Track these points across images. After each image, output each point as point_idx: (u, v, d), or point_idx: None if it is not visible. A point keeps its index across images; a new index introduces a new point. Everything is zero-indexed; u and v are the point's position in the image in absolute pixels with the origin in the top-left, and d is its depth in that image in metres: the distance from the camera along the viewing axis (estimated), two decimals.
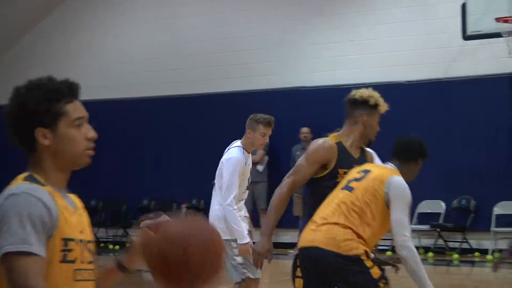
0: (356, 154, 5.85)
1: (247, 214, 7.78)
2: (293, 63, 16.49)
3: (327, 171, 5.73)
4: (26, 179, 2.77)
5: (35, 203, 2.67)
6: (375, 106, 5.77)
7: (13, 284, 2.62)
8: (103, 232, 17.89)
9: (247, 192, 7.60)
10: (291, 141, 15.92)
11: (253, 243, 6.82)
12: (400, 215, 5.23)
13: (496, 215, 14.26)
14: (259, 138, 7.38)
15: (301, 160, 5.91)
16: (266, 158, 16.07)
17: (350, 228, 5.19)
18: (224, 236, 6.81)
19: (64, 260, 2.73)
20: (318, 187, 5.70)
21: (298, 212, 15.79)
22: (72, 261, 2.76)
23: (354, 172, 5.50)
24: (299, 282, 5.37)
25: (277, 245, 16.01)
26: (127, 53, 17.99)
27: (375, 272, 5.22)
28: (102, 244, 17.68)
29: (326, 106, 15.92)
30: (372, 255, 5.30)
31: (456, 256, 14.59)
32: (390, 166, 5.51)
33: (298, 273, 5.37)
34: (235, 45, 16.88)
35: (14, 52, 19.22)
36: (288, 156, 15.99)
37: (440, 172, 13.80)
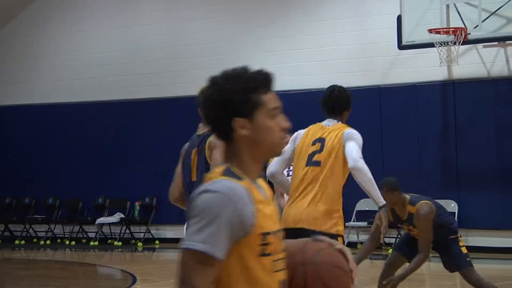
0: None
1: None
2: None
3: None
4: (224, 173, 2.67)
5: (227, 205, 2.57)
6: None
7: (181, 279, 2.56)
8: (60, 229, 18.21)
9: None
10: None
11: None
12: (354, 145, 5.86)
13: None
14: None
15: None
16: None
17: None
18: None
19: (263, 254, 2.64)
20: None
21: None
22: (271, 254, 2.66)
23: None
24: None
25: None
26: (87, 59, 18.06)
27: None
28: (58, 240, 18.09)
29: None
30: None
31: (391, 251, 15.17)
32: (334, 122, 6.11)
33: None
34: (190, 51, 17.04)
35: None
36: None
37: (377, 173, 14.30)
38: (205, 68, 16.87)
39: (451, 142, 14.75)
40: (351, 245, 14.44)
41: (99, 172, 17.61)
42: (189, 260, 2.55)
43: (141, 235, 17.23)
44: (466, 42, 13.74)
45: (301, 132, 6.20)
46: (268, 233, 2.64)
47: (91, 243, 17.32)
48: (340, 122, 6.15)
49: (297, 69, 16.13)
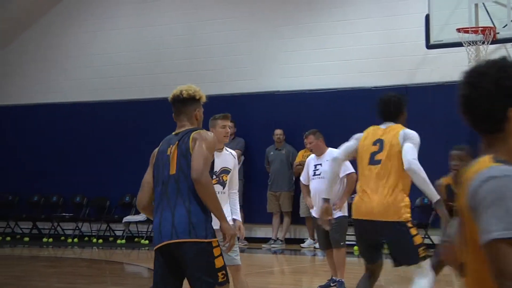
0: None
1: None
2: (266, 69, 16.70)
3: None
4: (496, 161, 2.57)
5: None
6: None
7: (500, 272, 2.37)
8: (87, 227, 18.26)
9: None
10: (265, 142, 16.26)
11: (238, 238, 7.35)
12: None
13: None
14: (220, 131, 7.71)
15: None
16: (242, 157, 16.44)
17: None
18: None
19: None
20: None
21: (271, 208, 16.24)
22: None
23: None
24: None
25: (251, 239, 16.54)
26: (107, 59, 18.12)
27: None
28: (86, 238, 18.16)
29: (297, 109, 16.33)
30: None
31: (356, 248, 15.13)
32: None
33: None
34: (211, 51, 17.06)
35: (1, 56, 19.26)
36: (263, 156, 16.40)
37: None
38: (224, 67, 16.91)
39: (480, 142, 14.55)
40: None
41: (126, 171, 17.61)
42: (506, 250, 2.36)
43: None
44: (494, 41, 13.64)
45: (360, 134, 6.89)
46: None
47: (118, 241, 17.34)
48: (397, 124, 6.75)
49: (321, 68, 16.07)
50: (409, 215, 6.66)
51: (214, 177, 7.80)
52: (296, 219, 16.08)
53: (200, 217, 5.07)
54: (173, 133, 5.45)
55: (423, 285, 6.69)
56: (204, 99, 5.54)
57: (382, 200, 6.55)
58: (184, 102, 5.46)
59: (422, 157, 6.90)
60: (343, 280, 10.05)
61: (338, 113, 15.69)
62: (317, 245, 14.74)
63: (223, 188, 7.85)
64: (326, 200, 7.36)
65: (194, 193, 5.10)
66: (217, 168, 7.77)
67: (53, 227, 18.31)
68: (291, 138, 16.13)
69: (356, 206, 6.77)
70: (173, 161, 5.23)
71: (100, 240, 17.57)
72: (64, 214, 18.20)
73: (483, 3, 13.78)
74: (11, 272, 13.31)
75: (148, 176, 5.43)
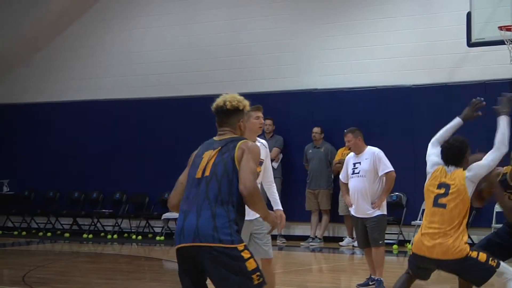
0: None
1: None
2: (305, 67, 16.66)
3: None
4: None
5: None
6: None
7: None
8: (127, 223, 18.39)
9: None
10: (304, 140, 16.24)
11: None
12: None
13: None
14: (254, 122, 7.75)
15: None
16: (281, 155, 16.42)
17: None
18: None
19: None
20: None
21: (309, 206, 16.21)
22: None
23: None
24: None
25: (290, 237, 16.53)
26: (150, 56, 18.23)
27: None
28: (125, 234, 18.27)
29: (336, 107, 16.26)
30: None
31: (395, 247, 15.06)
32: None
33: None
34: (252, 49, 17.08)
35: (45, 53, 19.49)
36: (301, 154, 16.36)
37: None
38: (266, 65, 16.90)
39: None
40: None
41: (165, 168, 17.68)
42: None
43: None
44: None
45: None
46: None
47: (157, 238, 17.43)
48: (460, 168, 7.03)
49: (360, 66, 16.01)
50: (466, 245, 6.92)
51: None
52: (335, 217, 16.04)
53: (225, 221, 4.99)
54: (215, 138, 5.39)
55: None
56: (248, 108, 5.48)
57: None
58: (227, 113, 5.40)
59: None
60: (381, 279, 10.00)
61: (378, 111, 15.62)
62: (355, 244, 14.70)
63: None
64: None
65: (222, 198, 5.05)
66: None
67: (93, 223, 18.46)
68: (330, 136, 16.08)
69: (418, 241, 7.06)
70: (209, 164, 5.19)
71: (139, 237, 17.67)
72: (104, 210, 18.34)
73: None
74: (52, 267, 13.44)
75: (182, 177, 5.42)
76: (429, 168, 7.15)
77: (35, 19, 19.02)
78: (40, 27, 19.16)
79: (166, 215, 17.37)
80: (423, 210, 7.71)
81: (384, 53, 15.83)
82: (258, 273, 5.00)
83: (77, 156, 18.74)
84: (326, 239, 16.19)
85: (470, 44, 14.08)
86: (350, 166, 10.28)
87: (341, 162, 12.13)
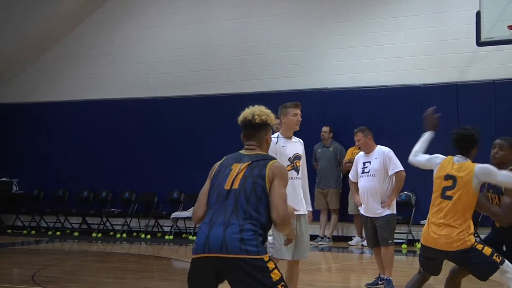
0: None
1: None
2: (315, 66, 16.65)
3: None
4: None
5: None
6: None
7: None
8: (135, 222, 18.39)
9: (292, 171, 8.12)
10: (313, 139, 16.22)
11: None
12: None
13: None
14: (292, 119, 8.11)
15: None
16: None
17: None
18: None
19: None
20: None
21: (318, 206, 16.19)
22: None
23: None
24: None
25: None
26: (160, 55, 18.25)
27: None
28: (134, 234, 18.30)
29: (346, 106, 16.25)
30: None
31: (404, 246, 15.06)
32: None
33: None
34: (262, 48, 17.08)
35: (55, 52, 19.54)
36: (310, 153, 16.34)
37: None
38: (276, 65, 16.89)
39: None
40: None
41: (174, 167, 17.73)
42: None
43: None
44: None
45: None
46: None
47: (166, 237, 17.44)
48: (468, 159, 7.01)
49: (370, 65, 15.99)
50: (472, 238, 6.94)
51: (289, 163, 8.00)
52: (344, 216, 16.02)
53: (251, 234, 5.01)
54: (243, 152, 5.38)
55: None
56: (274, 122, 5.49)
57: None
58: (256, 127, 5.38)
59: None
60: (391, 278, 9.99)
61: (387, 110, 15.60)
62: (364, 243, 14.68)
63: (297, 174, 8.09)
64: None
65: (250, 213, 5.06)
66: (290, 154, 8.02)
67: (102, 223, 18.49)
68: (339, 136, 16.07)
69: (425, 233, 7.09)
70: (238, 177, 5.18)
71: (148, 236, 17.69)
72: (113, 209, 18.36)
73: None
74: (61, 266, 13.46)
75: (205, 189, 5.36)
76: (434, 161, 7.14)
77: (44, 19, 19.05)
78: (49, 26, 19.18)
79: (175, 214, 17.38)
80: None
81: (394, 52, 15.80)
82: (282, 283, 5.04)
83: (86, 155, 18.77)
84: (335, 239, 16.17)
85: (480, 43, 14.03)
86: (360, 165, 10.27)
87: (351, 162, 12.11)
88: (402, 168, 10.09)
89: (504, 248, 7.03)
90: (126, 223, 18.19)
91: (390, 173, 10.06)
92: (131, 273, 12.78)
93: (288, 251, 7.94)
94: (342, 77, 16.24)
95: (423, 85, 15.28)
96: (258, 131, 5.38)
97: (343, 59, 16.34)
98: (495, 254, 6.82)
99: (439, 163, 7.08)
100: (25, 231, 19.08)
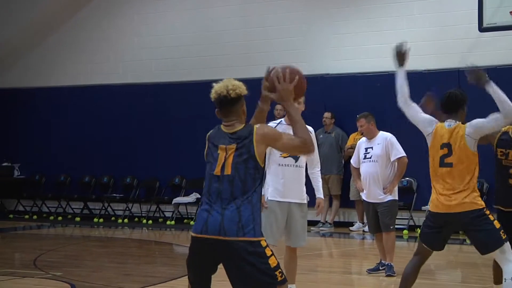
0: None
1: None
2: (317, 52, 16.62)
3: None
4: None
5: None
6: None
7: None
8: (137, 208, 18.43)
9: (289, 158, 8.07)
10: (315, 125, 16.13)
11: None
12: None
13: None
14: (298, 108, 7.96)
15: None
16: None
17: None
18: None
19: None
20: None
21: None
22: None
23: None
24: None
25: None
26: (162, 40, 18.20)
27: None
28: (136, 219, 18.32)
29: (349, 92, 16.24)
30: None
31: (405, 232, 15.06)
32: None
33: None
34: (264, 34, 17.03)
35: (57, 37, 19.46)
36: None
37: None
38: (277, 50, 16.86)
39: None
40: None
41: (176, 152, 17.74)
42: None
43: None
44: None
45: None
46: None
47: (168, 222, 17.47)
48: (458, 122, 7.04)
49: (373, 51, 15.94)
50: (479, 199, 6.96)
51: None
52: (345, 202, 16.04)
53: (249, 217, 5.02)
54: (224, 129, 5.33)
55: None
56: (246, 92, 5.44)
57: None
58: (232, 101, 5.36)
59: None
60: (392, 264, 10.01)
61: (390, 96, 15.47)
62: (366, 229, 14.71)
63: (296, 162, 8.00)
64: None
65: (246, 196, 5.07)
66: None
67: (103, 208, 18.51)
68: (341, 121, 16.06)
69: (435, 201, 7.08)
70: (228, 161, 5.15)
71: (150, 221, 17.72)
72: (114, 195, 18.37)
73: None
74: (63, 251, 13.49)
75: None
76: (426, 127, 7.13)
77: (46, 4, 19.05)
78: (50, 11, 19.15)
79: (176, 200, 17.41)
80: None
81: (396, 38, 15.58)
82: (279, 270, 5.03)
83: (87, 140, 18.77)
84: (337, 224, 16.20)
85: (482, 29, 14.00)
86: (362, 151, 10.28)
87: (353, 147, 12.12)
88: (405, 154, 10.10)
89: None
90: (127, 208, 18.22)
91: (392, 159, 10.07)
92: (133, 258, 12.81)
93: (273, 234, 7.90)
94: (344, 62, 16.22)
95: (425, 70, 15.26)
96: (234, 105, 5.35)
97: (345, 44, 16.32)
98: (502, 231, 6.81)
99: (431, 132, 7.07)
100: (26, 216, 19.12)
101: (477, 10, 13.83)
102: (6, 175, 19.44)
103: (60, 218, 18.71)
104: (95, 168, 18.74)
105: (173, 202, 17.45)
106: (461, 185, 6.82)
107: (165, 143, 17.92)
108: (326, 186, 16.01)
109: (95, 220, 18.23)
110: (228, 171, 5.12)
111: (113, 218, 18.35)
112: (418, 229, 14.67)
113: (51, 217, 18.80)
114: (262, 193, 5.65)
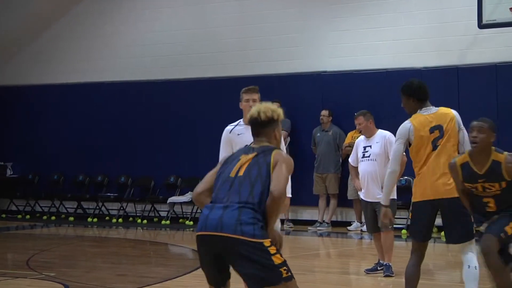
0: None
1: None
2: (314, 49, 16.58)
3: None
4: None
5: None
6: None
7: None
8: (132, 207, 18.37)
9: None
10: (312, 123, 16.19)
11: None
12: None
13: None
14: (245, 105, 7.78)
15: None
16: (288, 138, 16.35)
17: None
18: None
19: None
20: None
21: (317, 190, 16.16)
22: None
23: None
24: None
25: (297, 222, 16.49)
26: (159, 37, 18.12)
27: None
28: (130, 218, 18.25)
29: (346, 90, 16.19)
30: None
31: (404, 231, 15.02)
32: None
33: None
34: (261, 31, 16.96)
35: (51, 34, 19.37)
36: (309, 137, 16.31)
37: None
38: (274, 47, 16.84)
39: None
40: None
41: (171, 151, 17.69)
42: None
43: None
44: None
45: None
46: None
47: (163, 222, 17.42)
48: (432, 106, 7.28)
49: (370, 48, 15.92)
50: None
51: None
52: (343, 201, 16.00)
53: (250, 217, 5.07)
54: (252, 145, 5.54)
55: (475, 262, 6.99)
56: (282, 117, 5.61)
57: None
58: (262, 124, 5.51)
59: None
60: (390, 263, 9.96)
61: (388, 93, 15.53)
62: (364, 228, 14.66)
63: None
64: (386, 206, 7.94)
65: (252, 198, 5.15)
66: (247, 143, 7.77)
67: (97, 207, 18.45)
68: (339, 119, 16.02)
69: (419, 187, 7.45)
70: (244, 165, 5.32)
71: (145, 221, 17.67)
72: (108, 194, 18.32)
73: None
74: (56, 251, 13.45)
75: (212, 171, 5.52)
76: (409, 138, 7.33)
77: (40, 1, 18.95)
78: (45, 8, 19.09)
79: (171, 199, 17.36)
80: None
81: (394, 35, 15.74)
82: (285, 267, 5.09)
83: (81, 139, 18.71)
84: (334, 224, 16.15)
85: (481, 26, 14.03)
86: (360, 150, 10.23)
87: (351, 146, 12.07)
88: (404, 153, 10.04)
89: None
90: (122, 208, 18.17)
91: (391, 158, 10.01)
92: (127, 258, 12.76)
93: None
94: (342, 60, 16.17)
95: (423, 68, 15.22)
96: (265, 127, 5.51)
97: (343, 41, 16.27)
98: (476, 226, 7.02)
99: (409, 128, 7.27)
100: (19, 216, 19.06)
101: (476, 7, 13.84)
102: None
103: (53, 217, 18.65)
104: (89, 167, 18.68)
105: (168, 202, 17.40)
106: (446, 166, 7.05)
107: (160, 142, 17.86)
108: (324, 185, 15.97)
109: (89, 219, 18.18)
110: (241, 173, 5.29)
111: (107, 218, 18.30)
112: None
113: (45, 217, 18.75)
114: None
